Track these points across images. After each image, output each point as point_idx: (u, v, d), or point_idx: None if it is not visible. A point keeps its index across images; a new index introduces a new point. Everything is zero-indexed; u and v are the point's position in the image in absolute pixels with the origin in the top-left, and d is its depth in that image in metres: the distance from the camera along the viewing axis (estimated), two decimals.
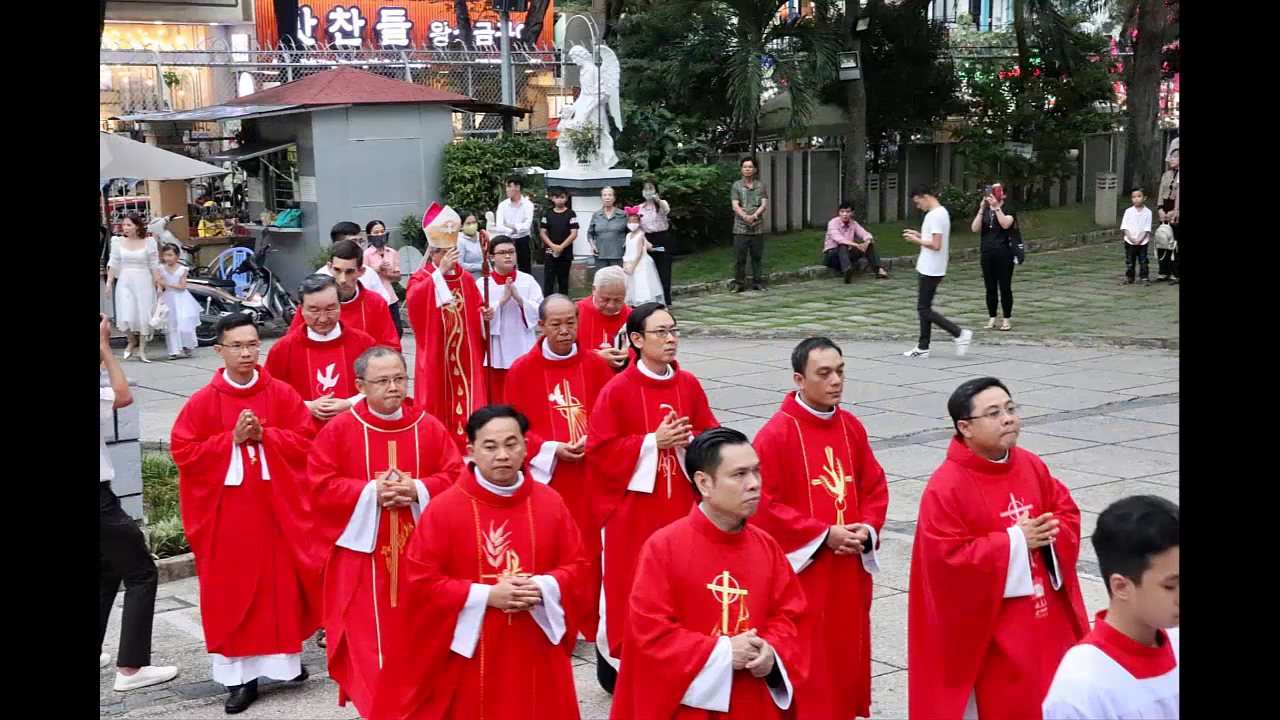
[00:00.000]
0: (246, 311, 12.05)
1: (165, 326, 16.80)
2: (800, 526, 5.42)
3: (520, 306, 10.07)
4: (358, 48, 28.20)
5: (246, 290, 18.43)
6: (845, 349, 5.88)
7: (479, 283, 9.42)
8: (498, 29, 25.52)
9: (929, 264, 15.55)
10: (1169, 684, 3.20)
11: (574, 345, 7.18)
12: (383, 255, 15.19)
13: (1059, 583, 5.09)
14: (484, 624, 4.87)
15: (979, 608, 5.01)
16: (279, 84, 25.05)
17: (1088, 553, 3.94)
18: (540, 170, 21.00)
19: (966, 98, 28.07)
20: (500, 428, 4.89)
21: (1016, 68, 27.92)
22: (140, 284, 16.63)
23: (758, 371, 15.00)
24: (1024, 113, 25.81)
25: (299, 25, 28.92)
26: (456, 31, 28.64)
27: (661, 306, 6.78)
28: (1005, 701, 4.98)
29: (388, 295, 12.26)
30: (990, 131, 25.87)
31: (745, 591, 4.41)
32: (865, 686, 5.77)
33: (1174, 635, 3.21)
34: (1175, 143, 25.55)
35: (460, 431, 6.98)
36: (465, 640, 4.88)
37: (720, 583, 4.39)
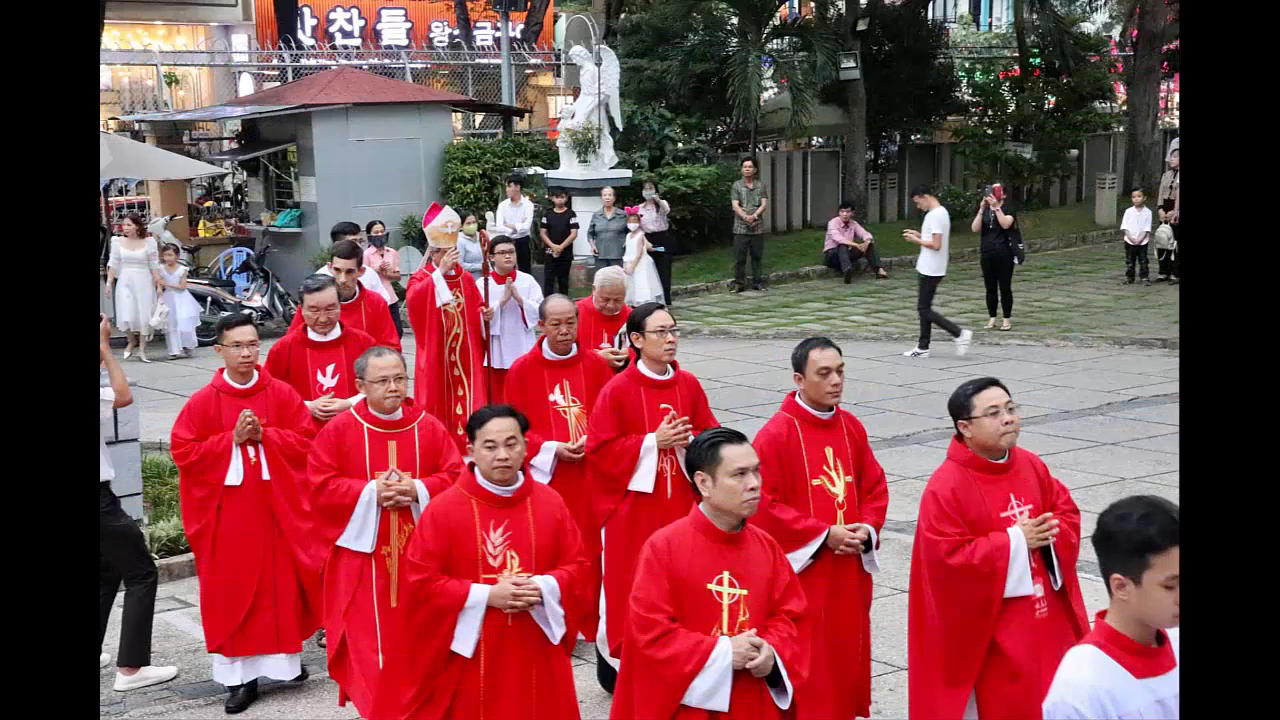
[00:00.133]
0: (246, 311, 12.05)
1: (165, 326, 16.80)
2: (800, 526, 5.42)
3: (520, 306, 10.07)
4: (358, 48, 28.20)
5: (246, 290, 18.43)
6: (845, 349, 5.88)
7: (479, 283, 9.42)
8: (498, 29, 25.52)
9: (929, 264, 15.55)
10: (1169, 684, 3.20)
11: (574, 345, 7.18)
12: (383, 255, 15.19)
13: (1059, 583, 5.09)
14: (484, 624, 4.87)
15: (979, 608, 5.01)
16: (279, 84, 25.05)
17: (1088, 553, 3.94)
18: (540, 170, 21.00)
19: (966, 98, 28.07)
20: (500, 428, 4.89)
21: (1016, 68, 27.93)
22: (140, 284, 16.63)
23: (758, 371, 15.00)
24: (1024, 113, 25.81)
25: (299, 25, 28.92)
26: (456, 31, 28.64)
27: (661, 306, 6.78)
28: (1005, 701, 4.98)
29: (388, 295, 12.26)
30: (990, 131, 25.88)
31: (745, 591, 4.41)
32: (865, 686, 5.77)
33: (1174, 635, 3.21)
34: (1175, 143, 25.55)
35: (460, 431, 6.98)
36: (465, 640, 4.88)
37: (720, 583, 4.39)
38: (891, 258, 21.66)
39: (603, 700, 6.48)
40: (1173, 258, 19.73)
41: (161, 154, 20.17)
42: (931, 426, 12.02)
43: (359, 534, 6.06)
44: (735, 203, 20.40)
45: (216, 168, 22.11)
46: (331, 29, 29.58)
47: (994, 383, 5.14)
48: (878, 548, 5.68)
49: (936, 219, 15.48)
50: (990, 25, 42.05)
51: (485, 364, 9.46)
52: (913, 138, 27.49)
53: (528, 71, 28.95)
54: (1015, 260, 17.23)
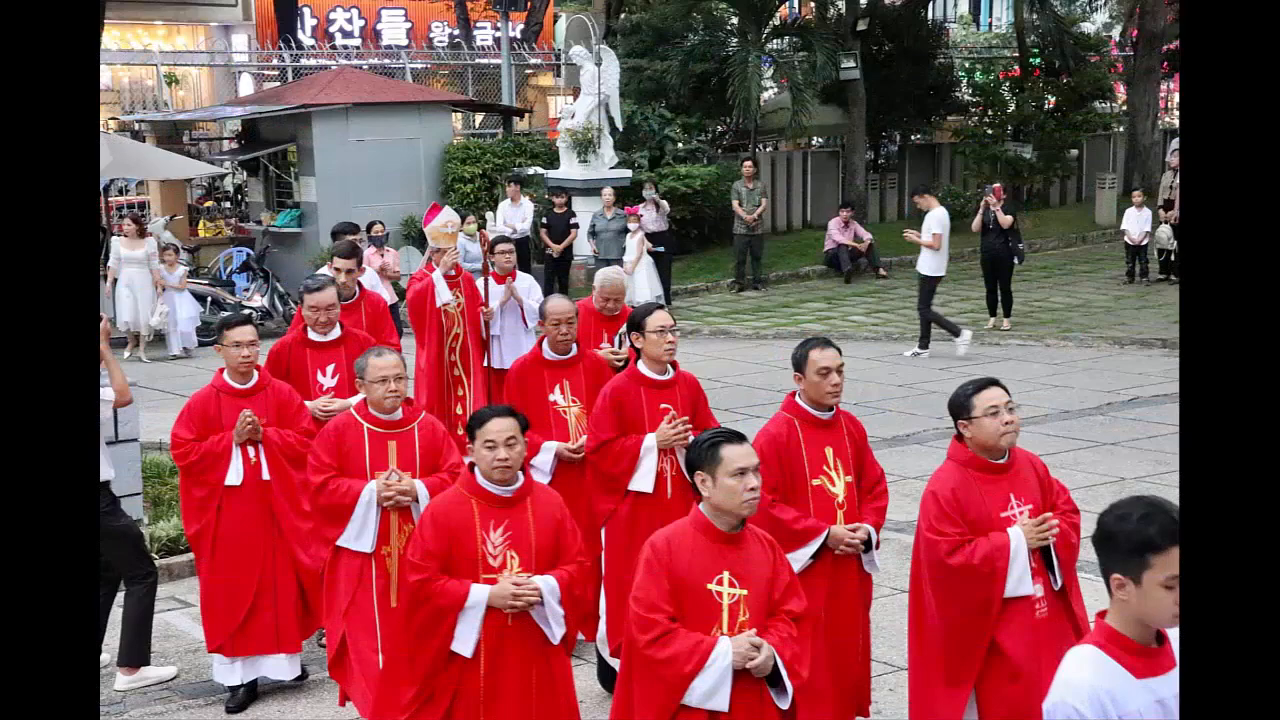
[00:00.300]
0: (246, 311, 12.05)
1: (165, 326, 16.80)
2: (800, 526, 5.42)
3: (520, 306, 10.07)
4: (358, 48, 28.20)
5: (246, 290, 18.43)
6: (845, 349, 5.88)
7: (479, 283, 9.42)
8: (498, 29, 25.52)
9: (929, 264, 15.55)
10: (1169, 684, 3.20)
11: (574, 345, 7.18)
12: (383, 255, 15.19)
13: (1059, 583, 5.09)
14: (484, 624, 4.87)
15: (979, 608, 5.01)
16: (279, 84, 25.05)
17: (1088, 553, 3.94)
18: (540, 170, 21.00)
19: (966, 98, 28.08)
20: (500, 428, 4.89)
21: (1016, 68, 27.93)
22: (140, 284, 16.63)
23: (758, 371, 15.00)
24: (1024, 113, 25.81)
25: (299, 25, 28.92)
26: (456, 31, 28.64)
27: (661, 306, 6.78)
28: (1005, 701, 4.98)
29: (388, 295, 12.26)
30: (990, 131, 25.88)
31: (745, 591, 4.41)
32: (865, 686, 5.77)
33: (1174, 635, 3.21)
34: (1175, 143, 25.55)
35: (460, 431, 6.98)
36: (465, 640, 4.88)
37: (720, 583, 4.39)
38: (891, 258, 21.66)
39: (603, 700, 6.48)
40: (1173, 258, 19.73)
41: (161, 154, 20.17)
42: (931, 426, 12.02)
43: (359, 534, 6.06)
44: (735, 203, 20.39)
45: (216, 168, 22.11)
46: (331, 29, 29.58)
47: (994, 383, 5.14)
48: (878, 548, 5.68)
49: (936, 219, 15.48)
50: (990, 25, 42.05)
51: (485, 364, 9.46)
52: (913, 138, 27.49)
53: (528, 71, 28.95)
54: (1015, 260, 17.23)
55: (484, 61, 26.87)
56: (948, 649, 5.09)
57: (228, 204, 23.67)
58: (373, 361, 6.09)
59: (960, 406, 5.12)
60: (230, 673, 6.87)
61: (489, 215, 19.58)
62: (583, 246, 19.20)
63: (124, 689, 7.00)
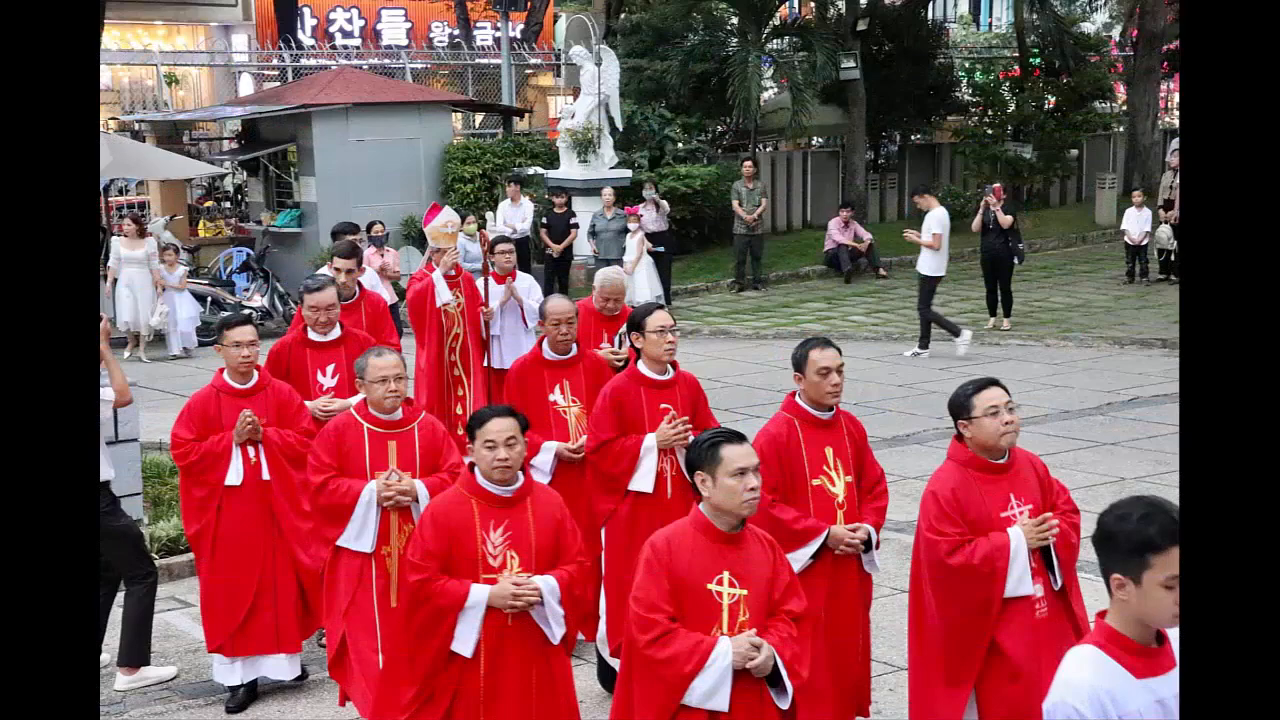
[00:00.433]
0: (246, 311, 12.05)
1: (165, 326, 16.80)
2: (800, 526, 5.42)
3: (520, 306, 10.07)
4: (358, 48, 28.20)
5: (246, 290, 18.43)
6: (845, 349, 5.88)
7: (479, 283, 9.42)
8: (498, 29, 25.52)
9: (929, 264, 15.55)
10: (1169, 684, 3.20)
11: (574, 345, 7.18)
12: (383, 255, 15.19)
13: (1059, 583, 5.09)
14: (484, 624, 4.87)
15: (979, 608, 5.01)
16: (279, 84, 25.05)
17: (1088, 553, 3.94)
18: (540, 170, 21.00)
19: (966, 98, 28.07)
20: (500, 428, 4.89)
21: (1016, 68, 27.93)
22: (140, 284, 16.63)
23: (758, 371, 15.00)
24: (1024, 113, 25.81)
25: (299, 25, 28.92)
26: (456, 31, 28.64)
27: (661, 306, 6.78)
28: (1005, 701, 4.98)
29: (388, 295, 12.26)
30: (990, 131, 25.88)
31: (745, 591, 4.41)
32: (865, 686, 5.77)
33: (1174, 635, 3.21)
34: (1175, 143, 25.56)
35: (460, 431, 6.98)
36: (465, 640, 4.88)
37: (720, 583, 4.39)
38: (891, 258, 21.66)
39: (603, 700, 6.48)
40: (1173, 258, 19.73)
41: (161, 154, 20.16)
42: (931, 426, 12.02)
43: (359, 534, 6.06)
44: (735, 203, 20.39)
45: (216, 168, 22.11)
46: (331, 29, 29.58)
47: (994, 383, 5.14)
48: (878, 548, 5.68)
49: (936, 219, 15.48)
50: (990, 25, 42.05)
51: (485, 364, 9.46)
52: (913, 138, 27.49)
53: (528, 71, 28.95)
54: (1015, 260, 17.23)
55: (484, 61, 26.87)
56: (948, 649, 5.09)
57: (228, 204, 23.67)
58: (373, 361, 6.09)
59: (960, 406, 5.12)
60: (230, 673, 6.87)
61: (489, 215, 19.58)
62: (583, 246, 19.20)
63: (124, 689, 7.00)
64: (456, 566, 4.88)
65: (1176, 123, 27.89)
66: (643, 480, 6.43)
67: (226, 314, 10.81)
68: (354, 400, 6.62)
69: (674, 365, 6.56)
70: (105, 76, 25.48)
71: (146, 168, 19.73)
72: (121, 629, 7.04)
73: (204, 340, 16.48)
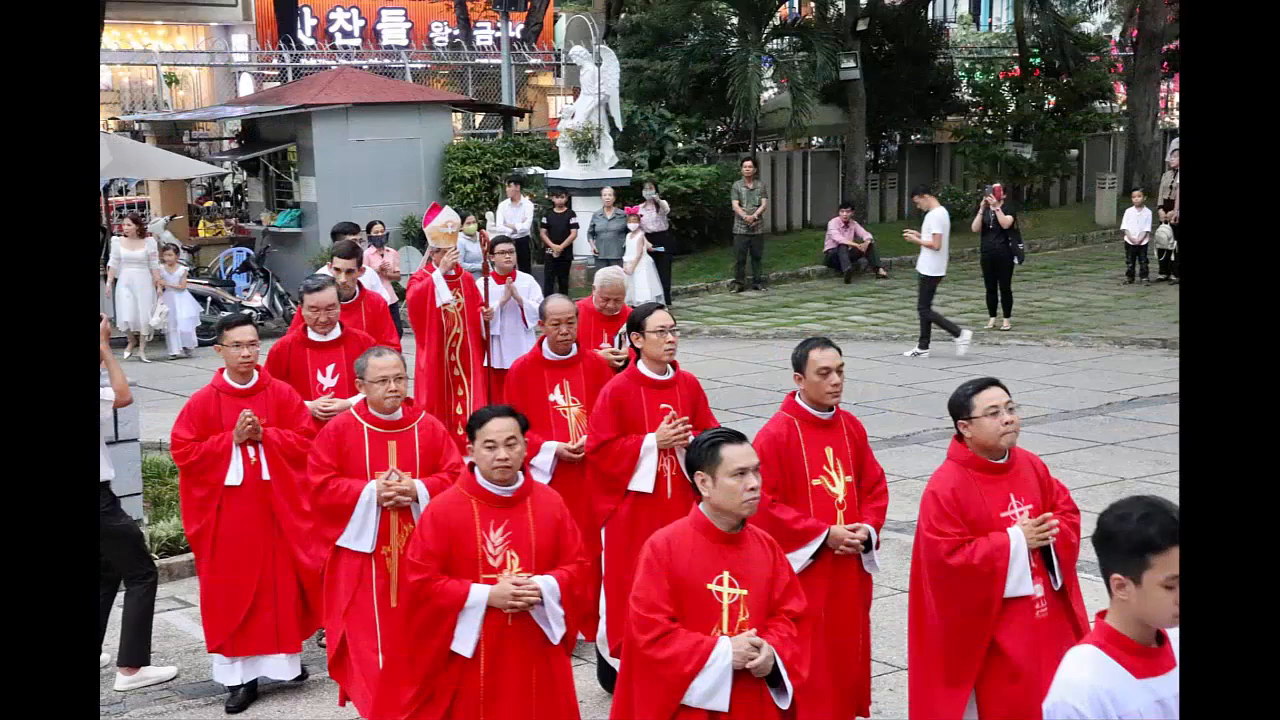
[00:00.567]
0: (246, 311, 12.05)
1: (165, 326, 16.80)
2: (800, 526, 5.42)
3: (520, 306, 10.07)
4: (358, 48, 28.20)
5: (246, 290, 18.43)
6: (845, 349, 5.88)
7: (479, 283, 9.42)
8: (498, 29, 25.52)
9: (929, 264, 15.56)
10: (1169, 684, 3.20)
11: (574, 345, 7.18)
12: (383, 255, 15.19)
13: (1059, 583, 5.09)
14: (484, 624, 4.87)
15: (979, 608, 5.01)
16: (279, 84, 25.05)
17: (1088, 553, 3.94)
18: (540, 170, 21.00)
19: (966, 98, 28.08)
20: (500, 428, 4.89)
21: (1016, 68, 27.93)
22: (140, 284, 16.63)
23: (758, 371, 15.00)
24: (1024, 113, 25.81)
25: (299, 25, 28.92)
26: (456, 31, 28.64)
27: (661, 306, 6.78)
28: (1005, 701, 4.98)
29: (388, 295, 12.26)
30: (990, 131, 25.88)
31: (745, 591, 4.41)
32: (865, 686, 5.77)
33: (1174, 635, 3.21)
34: (1175, 143, 25.56)
35: (460, 431, 6.98)
36: (465, 640, 4.88)
37: (720, 583, 4.39)
38: (891, 258, 21.66)
39: (603, 700, 6.48)
40: (1173, 258, 19.73)
41: (161, 154, 20.17)
42: (931, 426, 12.02)
43: (359, 534, 6.06)
44: (735, 203, 20.39)
45: (216, 168, 22.11)
46: (331, 29, 29.58)
47: (994, 383, 5.14)
48: (878, 548, 5.68)
49: (936, 219, 15.48)
50: (990, 25, 42.05)
51: (485, 364, 9.46)
52: (913, 138, 27.49)
53: (528, 71, 28.95)
54: (1015, 260, 17.23)
55: (484, 61, 26.87)
56: (948, 649, 5.09)
57: (228, 204, 23.67)
58: (373, 361, 6.09)
59: (960, 406, 5.12)
60: (230, 673, 6.87)
61: (489, 215, 19.58)
62: (583, 246, 19.20)
63: (124, 689, 7.00)
64: (456, 566, 4.88)
65: (1176, 123, 27.89)
66: (643, 480, 6.43)
67: (226, 314, 10.81)
68: (354, 400, 6.62)
69: (674, 365, 6.56)
70: (105, 76, 25.48)
71: (146, 168, 19.73)
72: (121, 629, 7.04)
73: (204, 340, 16.48)
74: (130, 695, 6.96)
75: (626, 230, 18.47)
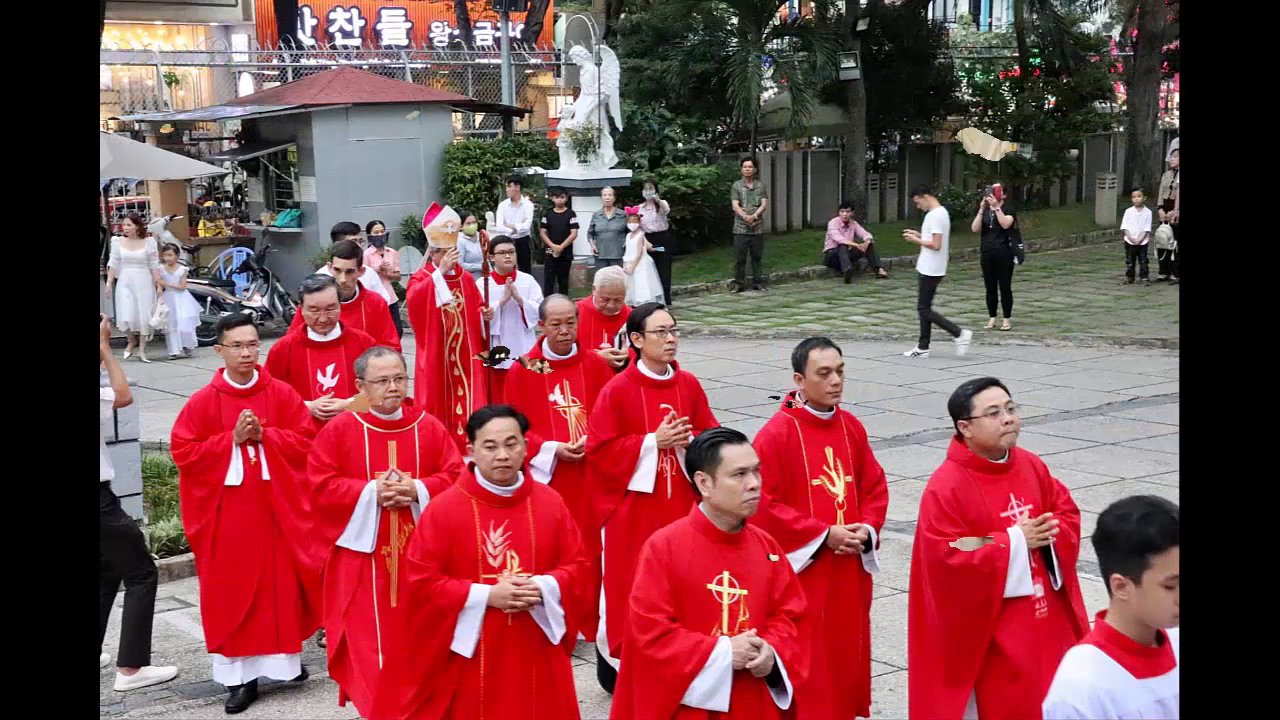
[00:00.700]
0: (246, 311, 12.04)
1: (165, 326, 16.80)
2: (800, 526, 5.42)
3: (520, 306, 10.06)
4: (358, 48, 28.20)
5: (246, 290, 18.43)
6: (845, 349, 5.88)
7: (479, 283, 9.41)
8: (498, 29, 25.52)
9: (929, 264, 15.56)
10: (1169, 684, 3.20)
11: (574, 345, 7.18)
12: (383, 255, 15.19)
13: (1059, 583, 5.09)
14: (484, 624, 4.87)
15: (979, 608, 5.01)
16: (279, 84, 25.05)
17: (1088, 553, 3.94)
18: (540, 170, 21.00)
19: (966, 98, 28.08)
20: (500, 428, 4.89)
21: (1016, 68, 27.92)
22: (140, 284, 16.64)
23: (758, 371, 15.00)
24: (1024, 113, 25.81)
25: (299, 25, 28.92)
26: (456, 31, 28.64)
27: (661, 306, 6.78)
28: (1005, 701, 4.98)
29: (388, 295, 12.26)
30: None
31: (745, 591, 4.41)
32: (865, 686, 5.77)
33: (1174, 635, 3.21)
34: (1175, 143, 25.55)
35: (460, 431, 6.98)
36: (465, 640, 4.88)
37: (720, 583, 4.39)
38: (891, 258, 21.66)
39: (603, 700, 6.48)
40: (1173, 258, 19.73)
41: (161, 154, 20.16)
42: (931, 426, 12.02)
43: (359, 534, 6.06)
44: (735, 203, 20.40)
45: (216, 168, 22.11)
46: (331, 29, 29.58)
47: (994, 383, 5.14)
48: (878, 548, 5.68)
49: (936, 219, 15.48)
50: (990, 25, 42.04)
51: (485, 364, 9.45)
52: (913, 138, 27.49)
53: (528, 71, 28.94)
54: (1015, 260, 17.23)
55: (484, 61, 26.87)
56: (948, 649, 5.09)
57: (228, 204, 23.67)
58: (373, 361, 6.09)
59: (960, 406, 5.12)
60: (230, 673, 6.87)
61: (489, 215, 19.58)
62: (583, 246, 19.20)
63: (124, 689, 7.00)
64: (456, 566, 4.88)
65: (1176, 123, 27.89)
66: (643, 480, 6.43)
67: (226, 314, 10.80)
68: (353, 400, 6.62)
69: (674, 365, 6.56)
70: (105, 76, 25.47)
71: (146, 168, 19.73)
72: (121, 629, 7.04)
73: (204, 340, 16.48)
74: (130, 695, 6.96)
75: (626, 230, 18.47)
